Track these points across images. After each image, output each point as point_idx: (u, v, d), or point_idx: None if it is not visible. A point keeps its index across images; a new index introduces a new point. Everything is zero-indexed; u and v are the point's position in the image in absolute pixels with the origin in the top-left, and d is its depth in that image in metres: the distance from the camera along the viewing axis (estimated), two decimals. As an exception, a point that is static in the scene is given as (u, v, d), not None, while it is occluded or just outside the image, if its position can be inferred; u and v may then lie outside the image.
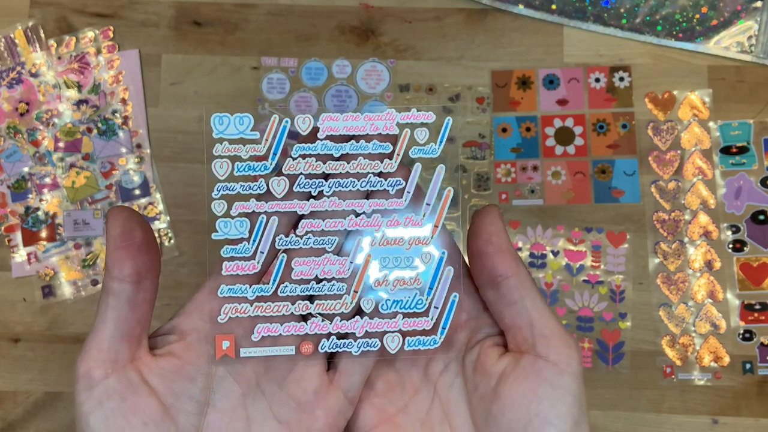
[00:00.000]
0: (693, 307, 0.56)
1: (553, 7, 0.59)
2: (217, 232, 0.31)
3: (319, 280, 0.31)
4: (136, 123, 0.58)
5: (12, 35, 0.59)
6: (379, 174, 0.31)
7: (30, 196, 0.57)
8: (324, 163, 0.31)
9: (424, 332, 0.31)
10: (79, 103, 0.58)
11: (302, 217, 0.31)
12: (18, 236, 0.57)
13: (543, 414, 0.28)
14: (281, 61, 0.59)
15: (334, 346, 0.31)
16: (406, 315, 0.31)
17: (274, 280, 0.31)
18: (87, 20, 0.60)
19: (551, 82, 0.59)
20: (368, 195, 0.31)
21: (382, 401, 0.32)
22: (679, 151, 0.58)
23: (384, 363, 0.33)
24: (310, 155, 0.31)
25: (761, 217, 0.57)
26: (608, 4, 0.59)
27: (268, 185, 0.31)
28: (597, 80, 0.59)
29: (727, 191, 0.57)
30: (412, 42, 0.60)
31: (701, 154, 0.58)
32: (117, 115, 0.58)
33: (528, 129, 0.58)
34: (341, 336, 0.31)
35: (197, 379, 0.29)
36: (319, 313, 0.31)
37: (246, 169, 0.31)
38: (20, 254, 0.57)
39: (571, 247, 0.57)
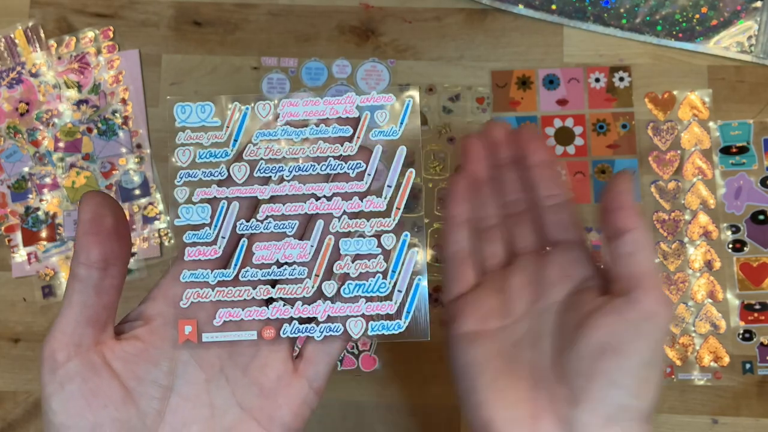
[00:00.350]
0: (693, 307, 0.56)
1: (553, 7, 0.59)
2: (179, 218, 0.32)
3: (280, 265, 0.31)
4: (136, 123, 0.58)
5: (12, 35, 0.59)
6: (340, 157, 0.31)
7: (30, 196, 0.57)
8: (284, 147, 0.31)
9: (388, 316, 0.31)
10: (79, 103, 0.58)
11: (263, 202, 0.31)
12: (18, 236, 0.57)
13: (618, 346, 0.29)
14: (281, 61, 0.59)
15: (296, 331, 0.31)
16: (369, 299, 0.31)
17: (235, 265, 0.31)
18: (87, 20, 0.60)
19: (551, 82, 0.59)
20: (330, 179, 0.32)
21: (485, 317, 0.34)
22: (679, 151, 0.58)
23: (495, 291, 0.35)
24: (270, 139, 0.31)
25: (761, 217, 0.57)
26: (608, 4, 0.59)
27: (229, 171, 0.31)
28: (597, 80, 0.59)
29: (727, 191, 0.57)
30: (412, 42, 0.60)
31: (701, 154, 0.58)
32: (117, 115, 0.58)
33: (528, 129, 0.58)
34: (303, 321, 0.31)
35: (160, 364, 0.29)
36: (280, 298, 0.31)
37: (207, 156, 0.32)
38: (20, 254, 0.57)
39: (571, 247, 0.57)
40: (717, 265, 0.56)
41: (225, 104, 0.33)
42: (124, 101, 0.58)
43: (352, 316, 0.31)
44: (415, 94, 0.32)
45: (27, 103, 0.58)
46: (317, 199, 0.31)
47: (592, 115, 0.59)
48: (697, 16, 0.59)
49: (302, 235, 0.32)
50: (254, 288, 0.31)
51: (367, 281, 0.31)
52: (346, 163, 0.31)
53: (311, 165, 0.31)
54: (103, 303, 0.29)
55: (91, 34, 0.59)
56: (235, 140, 0.32)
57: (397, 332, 0.32)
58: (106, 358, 0.29)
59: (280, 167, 0.31)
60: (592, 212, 0.57)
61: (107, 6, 0.60)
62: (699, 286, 0.56)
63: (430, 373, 0.55)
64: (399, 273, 0.32)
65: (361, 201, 0.31)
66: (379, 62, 0.60)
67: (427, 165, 0.58)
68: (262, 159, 0.31)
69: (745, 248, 0.56)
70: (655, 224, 0.57)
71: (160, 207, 0.58)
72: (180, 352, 0.30)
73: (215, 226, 0.31)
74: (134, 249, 0.57)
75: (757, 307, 0.56)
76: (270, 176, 0.31)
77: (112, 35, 0.59)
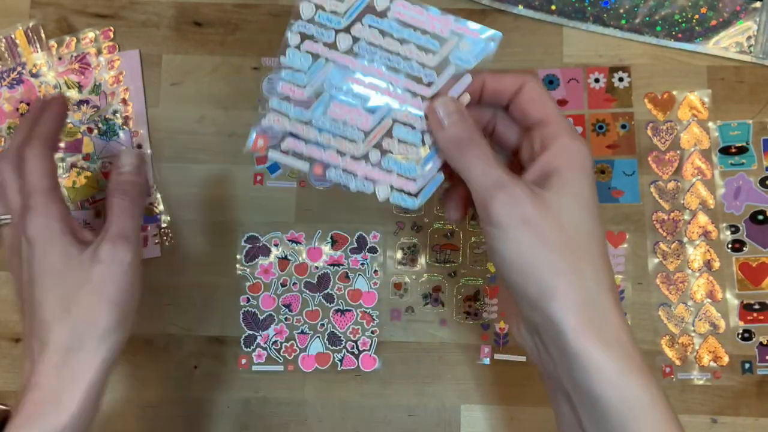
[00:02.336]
0: (692, 307, 0.56)
1: (553, 7, 0.59)
2: (285, 57, 0.39)
3: (345, 124, 0.39)
4: (136, 123, 0.58)
5: (13, 35, 0.59)
6: (422, 64, 0.38)
7: None
8: (383, 38, 0.38)
9: (408, 194, 0.39)
10: (79, 103, 0.58)
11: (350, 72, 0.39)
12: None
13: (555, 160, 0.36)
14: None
15: (338, 177, 0.38)
16: (399, 175, 0.39)
17: (315, 110, 0.38)
18: (87, 21, 0.60)
19: (551, 83, 0.59)
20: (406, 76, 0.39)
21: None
22: (678, 152, 0.58)
23: None
24: (376, 27, 0.38)
25: (760, 217, 0.57)
26: (607, 5, 0.59)
27: (335, 38, 0.38)
28: (596, 80, 0.59)
29: (727, 191, 0.57)
30: (412, 42, 0.60)
31: (700, 154, 0.58)
32: (117, 115, 0.58)
33: (528, 129, 0.59)
34: (348, 171, 0.39)
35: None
36: (336, 149, 0.39)
37: (324, 20, 0.38)
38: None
39: (571, 247, 0.57)
40: (716, 265, 0.56)
41: None
42: (124, 101, 0.58)
43: (383, 182, 0.39)
44: (497, 39, 0.38)
45: (27, 104, 0.58)
46: (392, 87, 0.39)
47: (591, 115, 0.59)
48: (697, 16, 0.59)
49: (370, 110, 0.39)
50: (320, 132, 0.38)
51: (403, 163, 0.39)
52: (423, 69, 0.38)
53: (397, 60, 0.38)
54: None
55: (91, 34, 0.60)
56: (350, 16, 0.38)
57: (411, 207, 0.39)
58: None
59: (374, 51, 0.38)
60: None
61: (108, 6, 0.60)
62: (698, 286, 0.56)
63: (430, 373, 0.56)
64: (428, 167, 0.39)
65: (422, 102, 0.39)
66: (379, 62, 0.60)
67: (427, 165, 0.58)
68: (364, 39, 0.38)
69: (744, 248, 0.56)
70: (655, 224, 0.57)
71: (161, 207, 0.58)
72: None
73: (310, 74, 0.38)
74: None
75: (757, 306, 0.56)
76: (365, 56, 0.38)
77: (112, 36, 0.60)
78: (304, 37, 0.38)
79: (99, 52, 0.59)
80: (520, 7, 0.59)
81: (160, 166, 0.58)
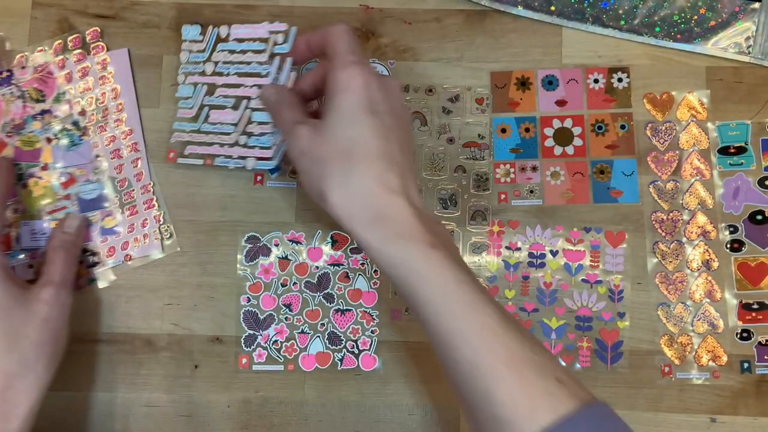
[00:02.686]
0: (691, 307, 0.56)
1: (552, 8, 0.60)
2: (178, 92, 0.57)
3: (223, 124, 0.55)
4: (128, 122, 0.58)
5: None
6: (259, 62, 0.53)
7: None
8: (232, 55, 0.54)
9: (268, 159, 0.53)
10: (42, 113, 0.58)
11: (219, 86, 0.55)
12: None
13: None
14: (282, 62, 0.60)
15: (221, 162, 0.55)
16: (261, 148, 0.54)
17: (200, 121, 0.56)
18: (88, 21, 0.60)
19: (550, 83, 0.59)
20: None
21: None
22: (677, 152, 0.58)
23: None
24: (225, 49, 0.55)
25: (759, 217, 0.57)
26: (607, 6, 0.59)
27: (203, 68, 0.56)
28: (596, 81, 0.59)
29: (725, 191, 0.57)
30: (412, 43, 0.60)
31: (699, 154, 0.58)
32: (77, 126, 0.58)
33: (527, 129, 0.59)
34: (227, 157, 0.55)
35: None
36: (217, 143, 0.55)
37: (194, 58, 0.57)
38: None
39: (570, 247, 0.57)
40: (715, 264, 0.56)
41: (205, 28, 0.57)
42: (115, 98, 0.58)
43: (250, 158, 0.54)
44: (291, 29, 0.53)
45: None
46: (245, 86, 0.54)
47: (590, 115, 0.59)
48: (696, 17, 0.59)
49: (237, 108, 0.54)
50: (206, 136, 0.55)
51: (262, 139, 0.53)
52: (260, 66, 0.53)
53: (244, 66, 0.54)
54: None
55: (77, 35, 0.60)
56: (209, 49, 0.56)
57: (270, 167, 0.55)
58: None
59: (228, 66, 0.54)
60: (591, 212, 0.57)
61: (108, 7, 0.60)
62: (697, 286, 0.56)
63: (430, 373, 0.56)
64: (277, 136, 0.53)
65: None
66: (379, 63, 0.60)
67: (426, 165, 0.58)
68: (221, 61, 0.55)
69: (743, 248, 0.57)
70: (654, 224, 0.57)
71: (160, 207, 0.58)
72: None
73: (194, 98, 0.56)
74: (137, 246, 0.57)
75: (755, 306, 0.56)
76: (223, 71, 0.55)
77: (99, 36, 0.60)
78: (186, 74, 0.57)
79: (87, 53, 0.59)
80: (520, 7, 0.60)
81: (160, 166, 0.58)
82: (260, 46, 0.53)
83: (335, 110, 0.44)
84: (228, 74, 0.54)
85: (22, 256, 0.56)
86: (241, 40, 0.54)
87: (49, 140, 0.58)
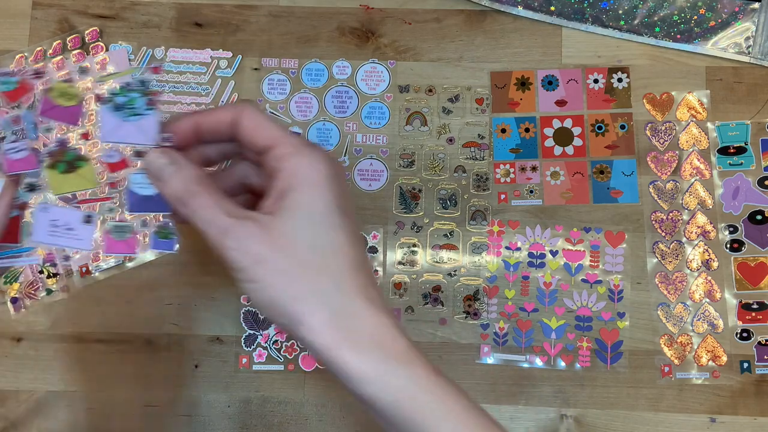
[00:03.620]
0: (691, 307, 0.56)
1: (552, 8, 0.60)
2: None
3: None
4: None
5: None
6: None
7: None
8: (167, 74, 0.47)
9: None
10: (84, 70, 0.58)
11: None
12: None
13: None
14: (282, 62, 0.60)
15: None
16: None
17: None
18: (89, 21, 0.60)
19: (550, 83, 0.59)
20: None
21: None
22: (677, 152, 0.58)
23: None
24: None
25: (758, 217, 0.57)
26: (606, 6, 0.59)
27: None
28: (595, 81, 0.59)
29: (725, 191, 0.57)
30: (412, 43, 0.60)
31: (699, 154, 0.58)
32: (145, 87, 0.57)
33: (527, 129, 0.59)
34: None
35: None
36: None
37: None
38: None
39: (570, 247, 0.57)
40: (715, 264, 0.56)
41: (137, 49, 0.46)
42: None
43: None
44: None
45: None
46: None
47: (590, 115, 0.59)
48: (695, 17, 0.59)
49: None
50: None
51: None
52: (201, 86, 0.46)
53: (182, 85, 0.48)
54: None
55: (77, 35, 0.60)
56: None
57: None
58: None
59: (164, 85, 0.49)
60: (591, 212, 0.57)
61: (109, 7, 0.61)
62: (697, 286, 0.56)
63: (430, 372, 0.56)
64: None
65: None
66: (379, 63, 0.60)
67: (426, 165, 0.58)
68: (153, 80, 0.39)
69: (742, 248, 0.57)
70: (653, 224, 0.57)
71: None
72: None
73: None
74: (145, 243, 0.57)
75: (755, 306, 0.56)
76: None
77: (99, 35, 0.60)
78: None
79: (87, 53, 0.59)
80: (520, 8, 0.60)
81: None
82: (201, 69, 0.50)
83: (297, 209, 0.34)
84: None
85: (27, 256, 0.41)
86: (179, 63, 0.51)
87: (99, 98, 0.39)
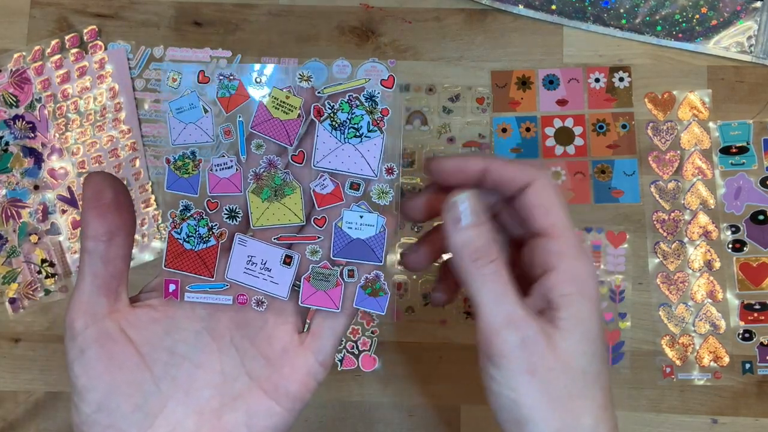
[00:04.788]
0: (692, 307, 0.56)
1: (553, 7, 0.59)
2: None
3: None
4: (127, 121, 0.58)
5: None
6: None
7: None
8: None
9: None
10: (14, 118, 0.58)
11: None
12: None
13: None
14: (281, 61, 0.60)
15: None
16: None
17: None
18: (87, 20, 0.60)
19: (551, 83, 0.59)
20: None
21: None
22: (678, 152, 0.58)
23: None
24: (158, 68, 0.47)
25: (761, 217, 0.57)
26: (608, 5, 0.59)
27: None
28: (597, 80, 0.59)
29: (727, 191, 0.57)
30: (412, 42, 0.60)
31: (701, 154, 0.58)
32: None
33: (528, 129, 0.59)
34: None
35: (173, 332, 0.31)
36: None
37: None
38: None
39: (571, 247, 0.57)
40: (717, 265, 0.56)
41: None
42: (113, 96, 0.58)
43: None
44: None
45: None
46: None
47: (591, 115, 0.59)
48: (697, 16, 0.59)
49: None
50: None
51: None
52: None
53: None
54: (111, 272, 0.30)
55: (75, 34, 0.59)
56: (139, 67, 0.48)
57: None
58: (121, 326, 0.30)
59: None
60: (592, 212, 0.57)
61: (108, 6, 0.60)
62: (699, 286, 0.56)
63: (430, 373, 0.56)
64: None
65: None
66: (379, 62, 0.59)
67: (427, 165, 0.58)
68: (152, 78, 0.44)
69: (744, 248, 0.56)
70: (655, 224, 0.57)
71: (161, 207, 0.58)
72: (193, 322, 0.32)
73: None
74: (135, 246, 0.57)
75: (757, 307, 0.56)
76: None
77: (97, 34, 0.59)
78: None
79: (86, 52, 0.59)
80: (521, 6, 0.59)
81: (159, 165, 0.58)
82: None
83: (577, 327, 0.31)
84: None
85: (219, 294, 0.33)
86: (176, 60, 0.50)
87: (318, 113, 0.33)
